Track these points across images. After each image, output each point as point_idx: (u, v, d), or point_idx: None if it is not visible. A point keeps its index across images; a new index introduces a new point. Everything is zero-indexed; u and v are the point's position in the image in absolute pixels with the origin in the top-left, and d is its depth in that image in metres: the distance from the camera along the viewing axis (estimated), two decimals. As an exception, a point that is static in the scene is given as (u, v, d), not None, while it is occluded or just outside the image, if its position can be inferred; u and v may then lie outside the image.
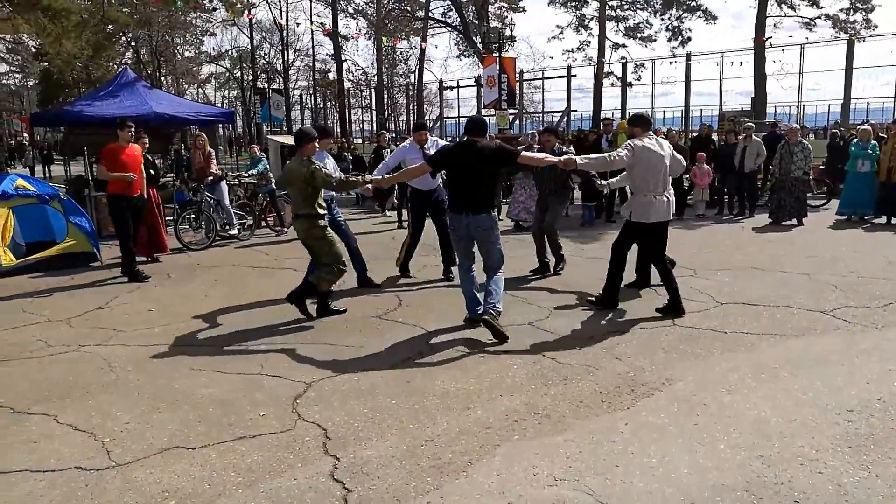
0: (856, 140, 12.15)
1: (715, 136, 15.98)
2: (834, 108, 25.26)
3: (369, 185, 6.54)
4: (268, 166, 12.15)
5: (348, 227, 7.40)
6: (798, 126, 13.62)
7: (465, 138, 5.73)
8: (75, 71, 29.83)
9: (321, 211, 6.08)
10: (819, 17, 25.90)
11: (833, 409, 3.93)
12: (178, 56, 46.05)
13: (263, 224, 12.05)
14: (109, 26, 33.12)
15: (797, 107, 25.87)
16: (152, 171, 9.17)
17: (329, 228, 6.22)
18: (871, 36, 24.54)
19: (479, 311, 5.58)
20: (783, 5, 26.26)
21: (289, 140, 13.58)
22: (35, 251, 8.71)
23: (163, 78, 42.22)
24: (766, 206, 12.63)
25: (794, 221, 11.55)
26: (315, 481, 3.30)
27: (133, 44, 40.48)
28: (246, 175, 12.24)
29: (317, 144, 6.24)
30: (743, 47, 27.22)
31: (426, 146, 7.66)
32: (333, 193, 7.04)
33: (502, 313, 5.58)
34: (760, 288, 6.96)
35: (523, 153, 6.02)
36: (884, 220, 11.50)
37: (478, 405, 4.16)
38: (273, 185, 11.80)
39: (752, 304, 6.37)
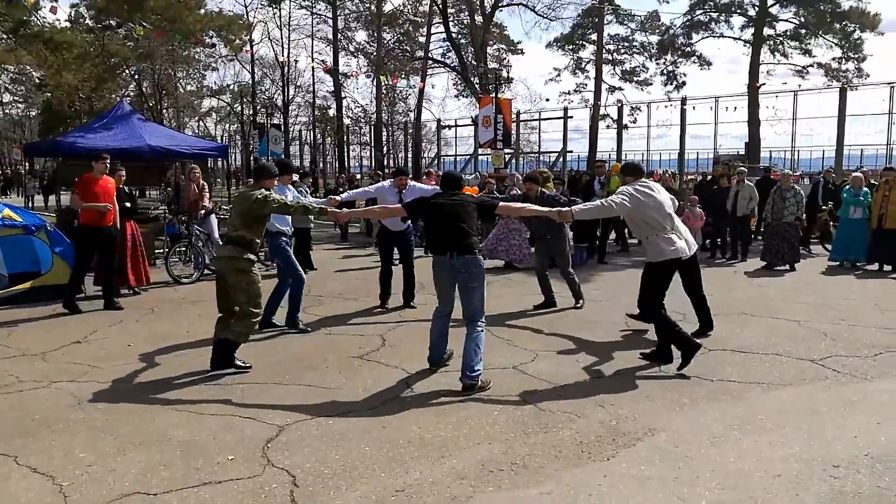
0: (848, 187, 12.18)
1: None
2: (828, 153, 25.45)
3: (336, 211, 6.23)
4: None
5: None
6: (790, 172, 13.66)
7: (442, 191, 5.72)
8: (77, 102, 30.06)
9: (256, 244, 5.69)
10: (811, 66, 26.37)
11: (819, 465, 3.81)
12: (181, 90, 46.50)
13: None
14: (111, 59, 33.48)
15: (791, 152, 26.07)
16: (128, 204, 9.13)
17: (255, 267, 5.70)
18: (863, 85, 24.93)
19: (444, 358, 5.70)
20: (776, 53, 26.72)
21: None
22: (19, 283, 8.60)
23: (164, 111, 42.55)
24: (758, 251, 12.58)
25: (787, 266, 11.50)
26: (277, 533, 3.16)
27: (136, 76, 40.85)
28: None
29: (275, 182, 6.11)
30: (737, 92, 27.54)
31: (404, 191, 7.77)
32: (287, 229, 7.25)
33: (482, 359, 5.37)
34: (750, 334, 6.86)
35: (501, 203, 6.04)
36: (876, 266, 11.46)
37: (454, 453, 4.02)
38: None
39: (741, 350, 6.27)
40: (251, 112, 40.91)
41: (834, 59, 25.92)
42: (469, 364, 5.14)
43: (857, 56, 25.54)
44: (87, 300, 8.62)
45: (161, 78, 40.59)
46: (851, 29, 25.12)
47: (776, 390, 5.16)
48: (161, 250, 11.56)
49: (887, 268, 11.31)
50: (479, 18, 28.46)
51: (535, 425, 4.45)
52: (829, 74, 26.24)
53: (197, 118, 53.70)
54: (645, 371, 5.65)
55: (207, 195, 11.08)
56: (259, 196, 5.60)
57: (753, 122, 26.30)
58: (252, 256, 5.65)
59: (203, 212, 10.74)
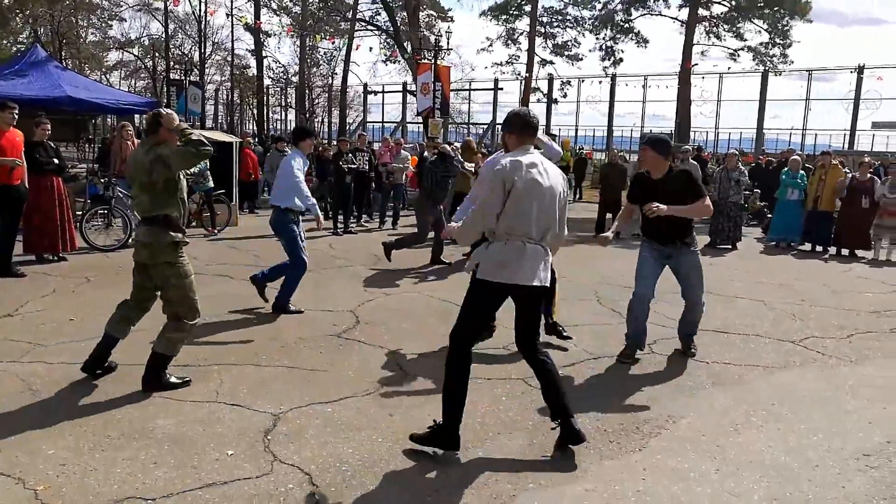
0: (786, 169, 12.55)
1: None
2: (746, 135, 26.57)
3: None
4: (207, 164, 11.30)
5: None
6: (735, 152, 13.97)
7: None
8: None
9: (178, 219, 4.33)
10: (742, 49, 27.18)
11: (850, 455, 3.75)
12: (83, 39, 43.20)
13: (195, 224, 11.19)
14: (6, 1, 30.58)
15: (715, 133, 27.02)
16: (56, 160, 8.23)
17: (183, 252, 4.39)
18: (788, 71, 25.96)
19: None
20: (710, 35, 27.44)
21: (216, 136, 12.72)
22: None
23: (64, 62, 39.47)
24: (701, 230, 12.82)
25: (730, 245, 11.77)
26: (312, 544, 2.78)
27: (31, 22, 37.59)
28: (188, 172, 11.31)
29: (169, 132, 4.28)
30: (667, 72, 28.22)
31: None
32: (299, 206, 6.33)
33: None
34: (724, 315, 6.86)
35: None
36: (808, 246, 11.90)
37: (476, 446, 3.72)
38: (210, 183, 11.04)
39: (722, 331, 6.26)
40: (164, 68, 38.54)
41: (761, 43, 26.84)
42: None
43: (783, 42, 26.54)
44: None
45: (61, 25, 37.58)
46: (781, 14, 26.02)
47: (774, 374, 5.12)
48: (80, 212, 10.60)
49: (819, 248, 11.77)
50: (412, -19, 27.66)
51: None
52: (757, 58, 27.15)
53: (101, 72, 50.24)
54: (641, 353, 5.50)
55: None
56: (151, 159, 4.18)
57: (684, 103, 26.96)
58: (177, 237, 4.33)
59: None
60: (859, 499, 3.28)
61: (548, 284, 3.61)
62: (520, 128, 3.62)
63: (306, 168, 6.58)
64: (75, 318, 5.93)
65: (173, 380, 4.40)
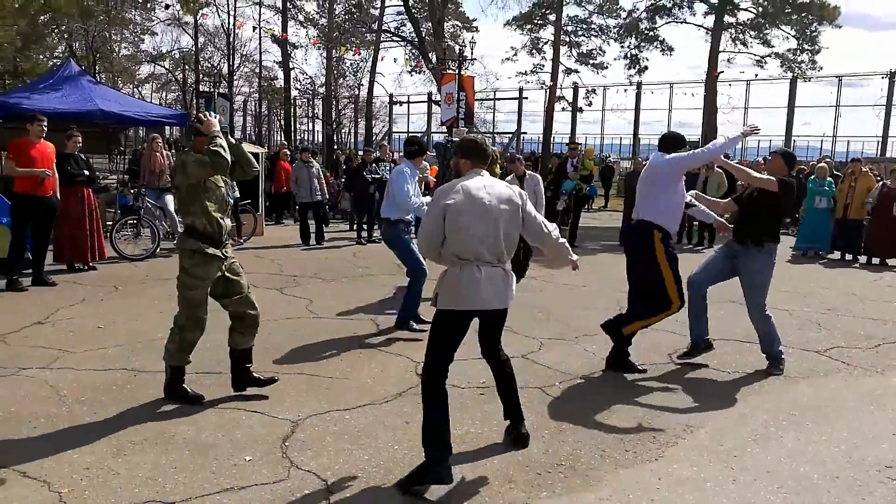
0: (813, 177, 12.38)
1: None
2: (776, 142, 26.22)
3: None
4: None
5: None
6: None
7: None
8: (1, 62, 28.02)
9: (204, 229, 4.25)
10: (769, 56, 26.86)
11: (872, 466, 3.69)
12: (115, 53, 44.15)
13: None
14: (42, 17, 31.36)
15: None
16: (86, 172, 8.44)
17: (201, 263, 4.25)
18: (817, 77, 25.64)
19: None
20: (737, 42, 27.13)
21: (251, 147, 12.94)
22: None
23: (98, 75, 40.35)
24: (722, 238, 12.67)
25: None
26: (325, 549, 2.82)
27: (67, 37, 38.54)
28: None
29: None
30: (692, 79, 28.08)
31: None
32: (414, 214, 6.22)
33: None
34: (747, 324, 6.70)
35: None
36: (838, 255, 11.71)
37: (492, 452, 3.74)
38: (237, 193, 11.24)
39: (745, 340, 6.17)
40: (193, 80, 39.23)
41: (789, 50, 26.50)
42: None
43: (811, 48, 26.17)
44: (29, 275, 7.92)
45: (95, 40, 38.45)
46: (810, 20, 25.67)
47: (797, 384, 5.06)
48: (110, 223, 10.84)
49: (849, 257, 11.58)
50: (437, -7, 27.85)
51: (567, 421, 4.20)
52: (785, 65, 26.81)
53: (133, 84, 51.31)
54: (658, 361, 5.48)
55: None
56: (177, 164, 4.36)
57: (710, 110, 26.69)
58: (195, 245, 4.25)
59: (169, 185, 10.12)
60: (880, 510, 3.23)
61: (508, 306, 3.59)
62: (476, 155, 3.64)
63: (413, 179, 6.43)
64: (103, 326, 6.07)
65: (189, 391, 4.37)
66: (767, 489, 3.40)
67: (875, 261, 11.24)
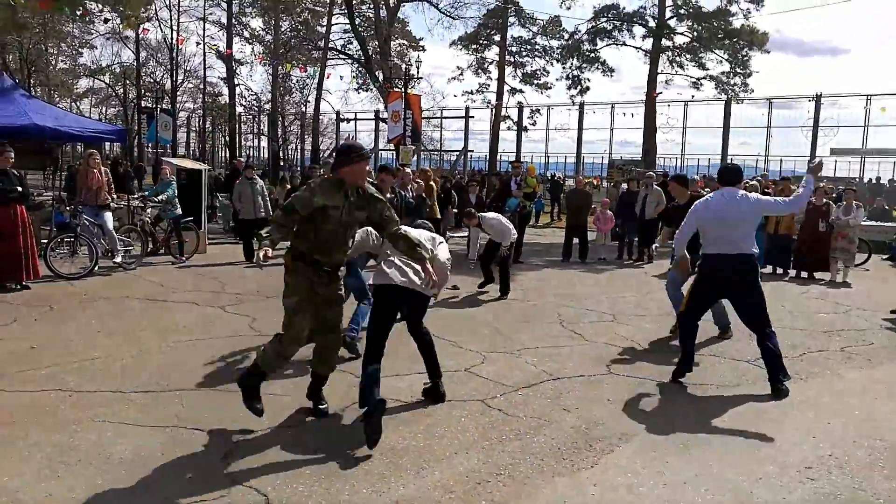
0: (745, 194, 12.86)
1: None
2: (714, 161, 27.25)
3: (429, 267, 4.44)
4: (175, 191, 11.34)
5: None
6: (699, 177, 14.33)
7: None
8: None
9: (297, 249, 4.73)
10: (705, 78, 28.00)
11: (793, 467, 3.89)
12: (52, 67, 42.98)
13: (163, 251, 11.25)
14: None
15: (681, 159, 27.68)
16: (20, 188, 8.22)
17: (296, 281, 4.67)
18: (749, 99, 26.81)
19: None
20: (673, 64, 28.16)
21: (185, 163, 12.75)
22: None
23: (33, 89, 39.14)
24: (663, 254, 13.08)
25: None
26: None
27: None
28: (156, 199, 11.32)
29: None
30: (635, 99, 28.92)
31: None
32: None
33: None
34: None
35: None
36: (769, 269, 12.21)
37: (433, 465, 3.80)
38: (178, 210, 11.14)
39: (678, 351, 6.38)
40: (135, 95, 38.49)
41: (723, 73, 27.66)
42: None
43: (743, 72, 27.38)
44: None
45: (30, 52, 37.35)
46: (741, 45, 26.87)
47: (727, 392, 5.29)
48: (45, 241, 10.53)
49: (780, 270, 12.09)
50: (383, 12, 28.06)
51: (507, 432, 4.30)
52: (719, 87, 27.95)
53: (71, 99, 49.93)
54: (597, 372, 5.64)
55: (109, 186, 10.13)
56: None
57: (650, 129, 27.58)
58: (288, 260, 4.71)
59: (107, 202, 9.96)
60: (798, 509, 3.42)
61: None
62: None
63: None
64: (36, 347, 5.90)
65: (257, 406, 4.24)
66: (696, 491, 3.56)
67: (804, 274, 11.77)
